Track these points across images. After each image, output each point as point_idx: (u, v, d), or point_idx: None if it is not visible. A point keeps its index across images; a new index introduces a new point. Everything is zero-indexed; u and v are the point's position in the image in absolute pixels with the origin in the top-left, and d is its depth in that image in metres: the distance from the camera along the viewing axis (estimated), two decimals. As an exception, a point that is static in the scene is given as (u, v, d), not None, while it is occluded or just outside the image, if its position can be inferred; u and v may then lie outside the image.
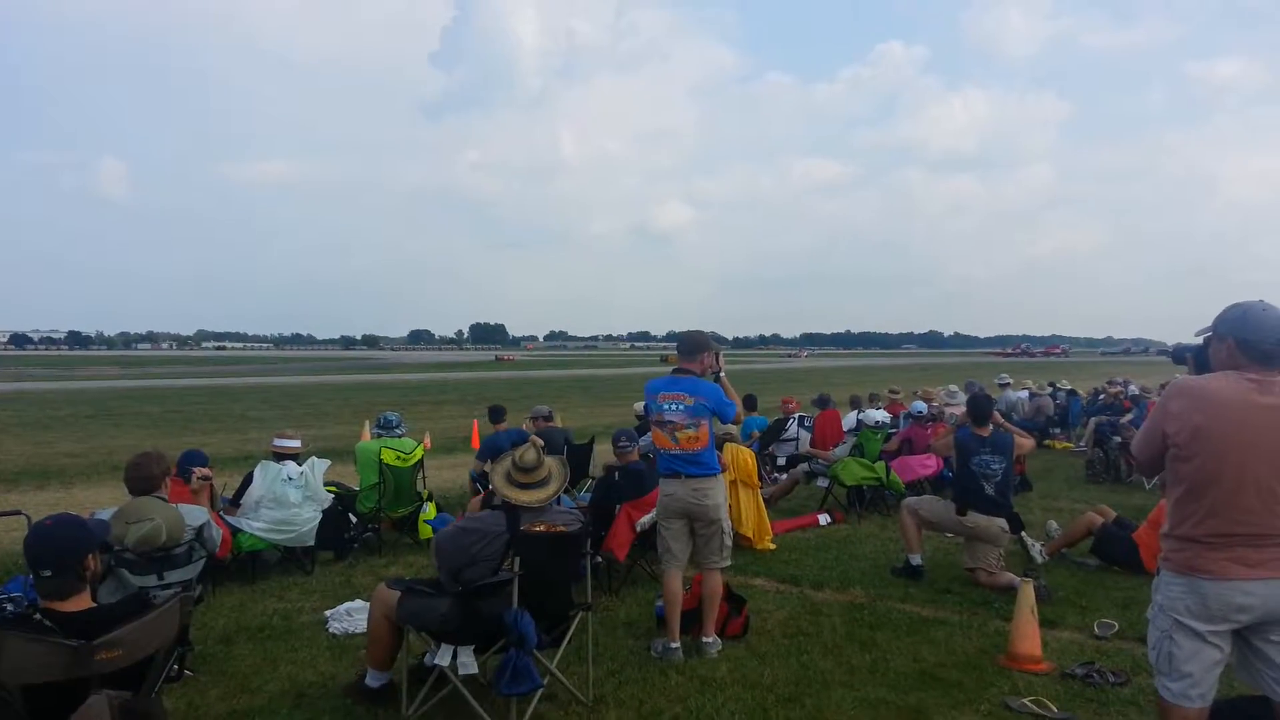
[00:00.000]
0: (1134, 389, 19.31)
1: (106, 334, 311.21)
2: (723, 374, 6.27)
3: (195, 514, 5.88)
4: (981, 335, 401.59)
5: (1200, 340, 3.83)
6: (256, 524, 8.23)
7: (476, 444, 19.12)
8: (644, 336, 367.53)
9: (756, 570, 8.53)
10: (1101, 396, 20.00)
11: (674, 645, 6.18)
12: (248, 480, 8.53)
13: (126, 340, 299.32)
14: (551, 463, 5.39)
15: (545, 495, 5.23)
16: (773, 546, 9.36)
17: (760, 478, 10.09)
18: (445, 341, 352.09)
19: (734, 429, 9.22)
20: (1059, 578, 8.22)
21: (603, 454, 12.07)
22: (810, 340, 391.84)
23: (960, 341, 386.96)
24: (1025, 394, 20.45)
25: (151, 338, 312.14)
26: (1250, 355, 3.54)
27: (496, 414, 11.42)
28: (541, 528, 5.14)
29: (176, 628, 3.71)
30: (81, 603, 3.59)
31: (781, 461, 12.82)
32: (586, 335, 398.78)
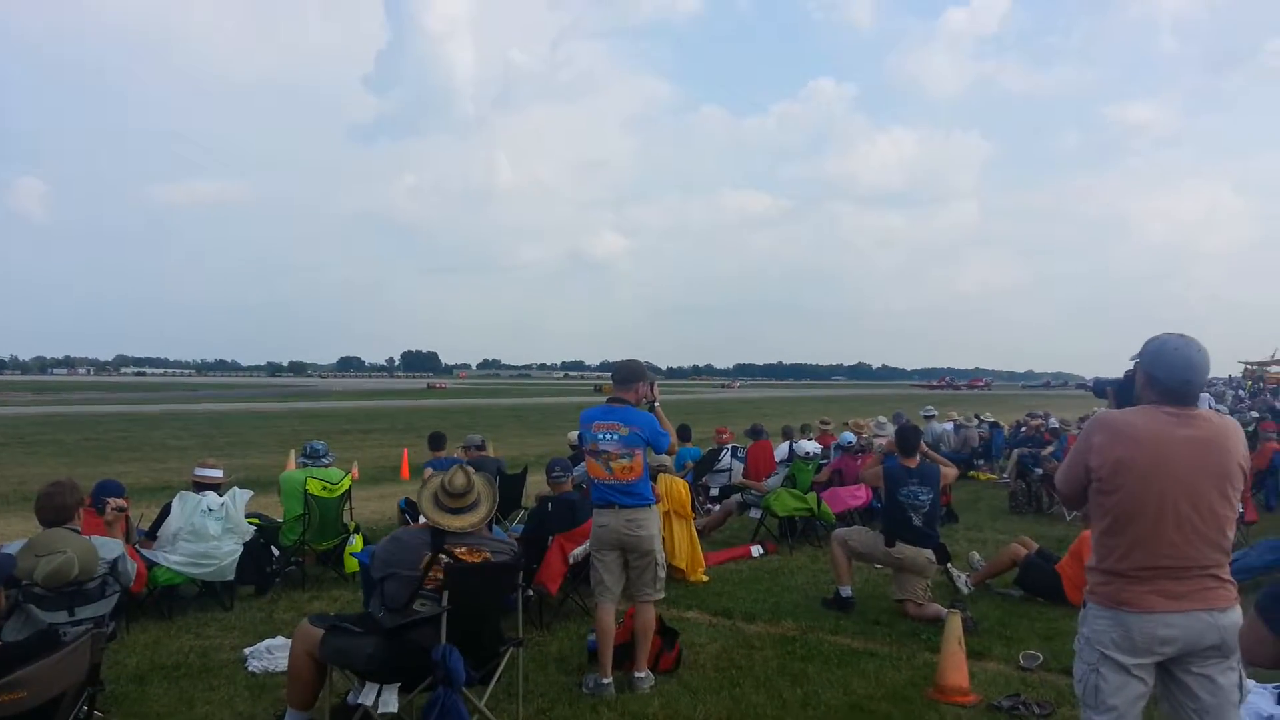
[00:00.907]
0: (1054, 422, 19.79)
1: (20, 358, 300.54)
2: (657, 404, 6.24)
3: (109, 546, 5.66)
4: (909, 368, 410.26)
5: (1123, 374, 3.91)
6: (174, 557, 7.96)
7: (406, 474, 18.87)
8: (578, 365, 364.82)
9: (689, 603, 8.50)
10: (1023, 429, 20.46)
11: (605, 681, 6.11)
12: (165, 511, 8.25)
13: (42, 365, 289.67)
14: (481, 486, 5.31)
15: (475, 520, 5.15)
16: (706, 579, 9.34)
17: (694, 508, 10.09)
18: (376, 369, 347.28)
19: (668, 459, 9.22)
20: (984, 609, 8.33)
21: (535, 484, 12.06)
22: (743, 371, 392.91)
23: (888, 373, 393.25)
24: (950, 426, 20.84)
25: (68, 362, 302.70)
26: (1157, 390, 3.61)
27: (436, 441, 11.33)
28: (463, 551, 5.06)
29: (87, 666, 3.56)
30: (-16, 642, 3.43)
31: (715, 492, 12.85)
32: (520, 364, 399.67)
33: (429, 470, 10.08)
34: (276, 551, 9.09)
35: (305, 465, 9.47)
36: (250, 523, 8.60)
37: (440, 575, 5.04)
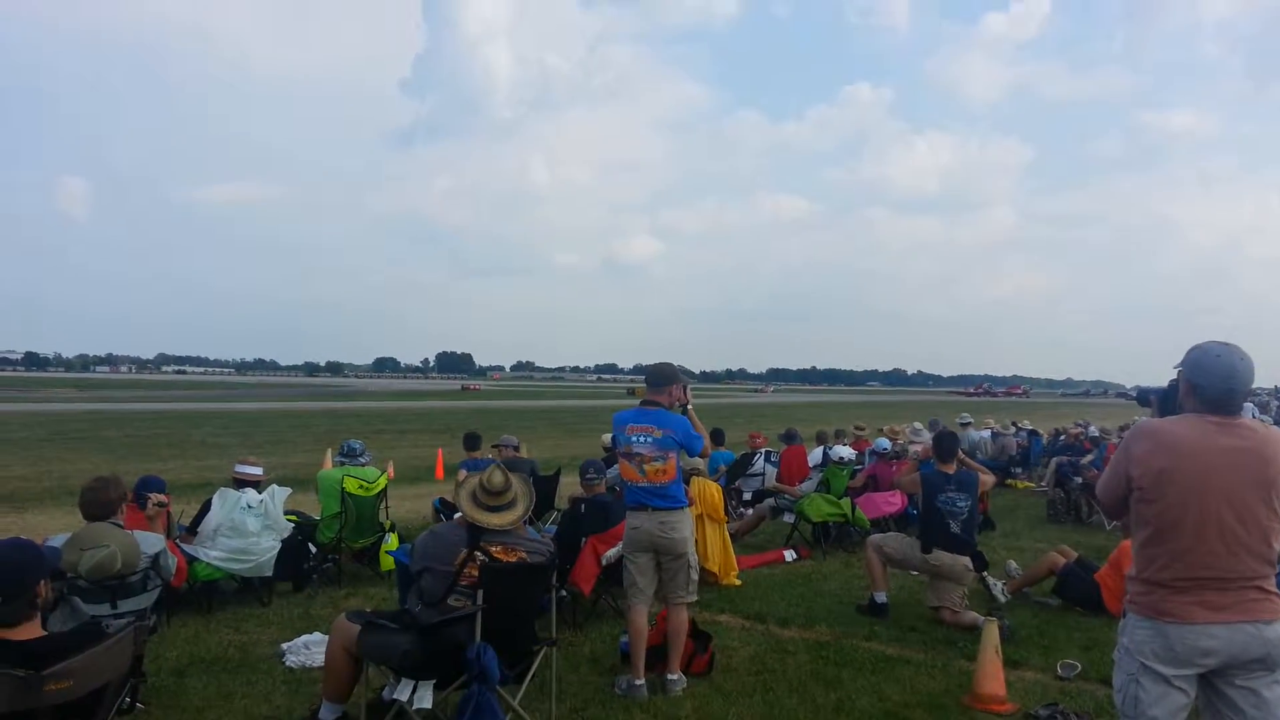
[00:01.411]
0: (1094, 430, 19.53)
1: (64, 355, 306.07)
2: (690, 407, 6.23)
3: (151, 541, 5.75)
4: (945, 374, 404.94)
5: (1166, 383, 3.86)
6: (213, 553, 8.04)
7: (440, 474, 18.98)
8: (611, 369, 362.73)
9: (722, 606, 8.47)
10: (1062, 437, 20.19)
11: (639, 683, 6.10)
12: (206, 507, 8.34)
13: (85, 363, 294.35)
14: (518, 485, 5.36)
15: (513, 518, 5.19)
16: (738, 582, 9.31)
17: (726, 512, 10.05)
18: (411, 370, 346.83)
19: (701, 463, 9.19)
20: (1022, 617, 8.24)
21: (569, 486, 12.02)
22: (777, 375, 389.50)
23: (924, 380, 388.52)
24: (987, 433, 20.61)
25: (111, 360, 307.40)
26: (1200, 399, 3.55)
27: (471, 441, 11.40)
28: (498, 549, 5.07)
29: (129, 658, 3.61)
30: (31, 631, 3.49)
31: (748, 496, 12.78)
32: (553, 366, 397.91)
33: (463, 471, 10.14)
34: (314, 549, 9.14)
35: (342, 464, 9.52)
36: (289, 520, 8.65)
37: (475, 573, 5.07)
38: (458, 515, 5.39)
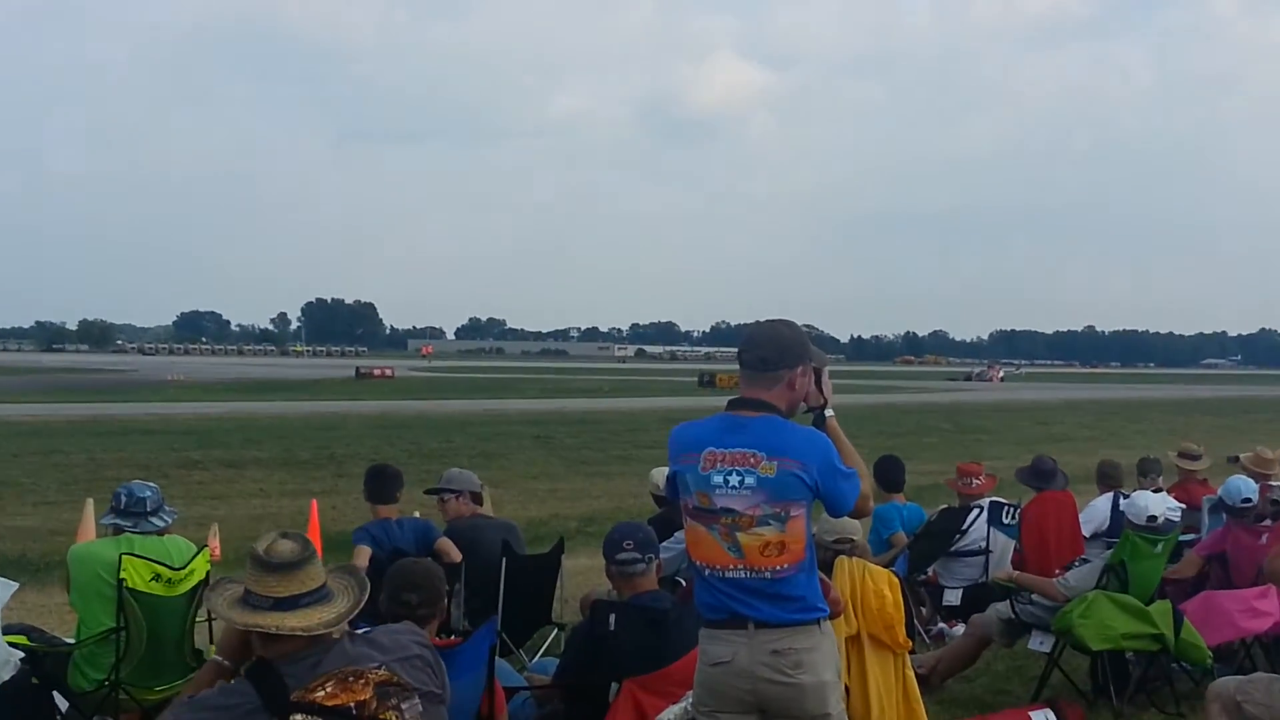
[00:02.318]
0: None
1: None
2: (830, 412, 3.98)
3: None
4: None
5: None
6: None
7: (315, 536, 13.12)
8: (663, 333, 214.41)
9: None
10: None
11: None
12: None
13: None
14: (336, 571, 3.31)
15: (327, 615, 3.15)
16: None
17: (910, 631, 5.99)
18: (253, 337, 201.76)
19: (857, 528, 5.52)
20: None
21: (582, 575, 8.01)
22: (1012, 343, 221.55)
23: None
24: None
25: None
26: None
27: (381, 485, 6.47)
28: (330, 688, 2.92)
29: None
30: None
31: (953, 598, 8.22)
32: (546, 329, 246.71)
33: (363, 548, 6.10)
34: (62, 701, 5.74)
35: (116, 531, 6.02)
36: (10, 645, 5.50)
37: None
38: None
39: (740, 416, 3.74)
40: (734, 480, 3.76)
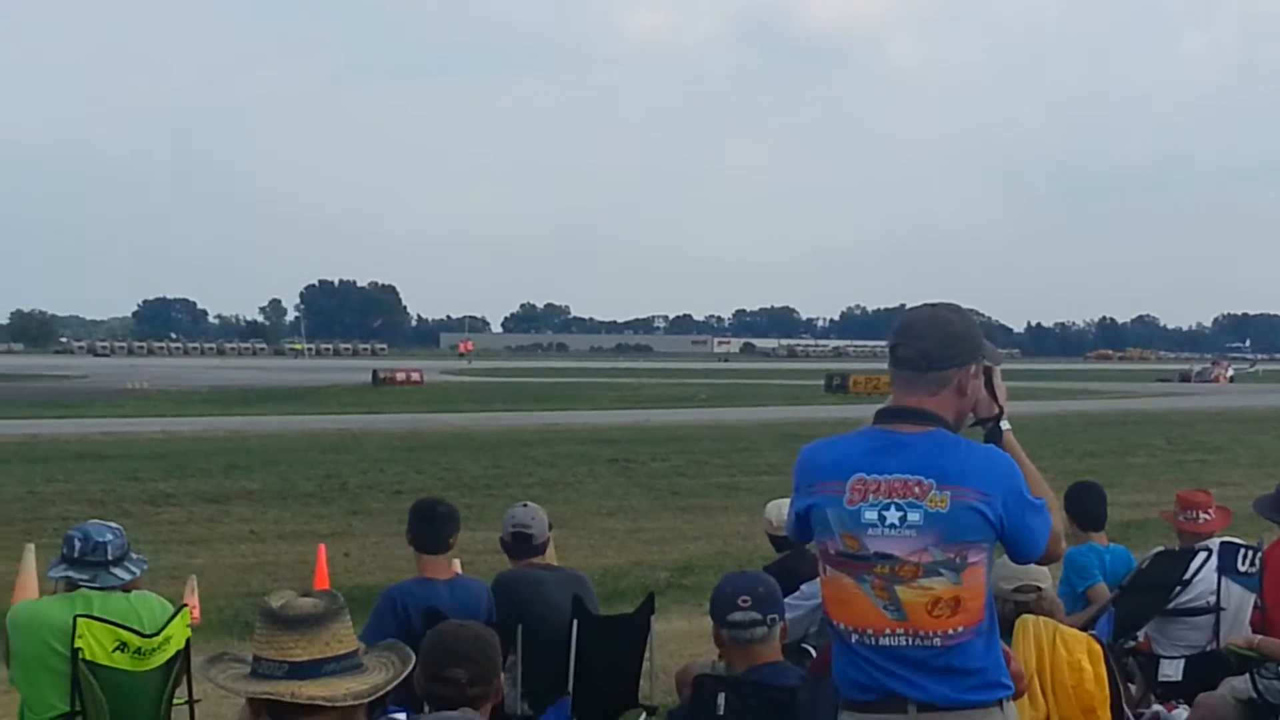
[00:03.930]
0: None
1: None
2: (1006, 425, 3.30)
3: None
4: None
5: None
6: None
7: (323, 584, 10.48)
8: (779, 321, 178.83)
9: None
10: None
11: None
12: None
13: None
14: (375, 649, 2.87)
15: (354, 688, 2.71)
16: None
17: (1117, 712, 5.03)
18: (238, 332, 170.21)
19: (1044, 574, 4.64)
20: None
21: (678, 641, 7.04)
22: (1243, 332, 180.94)
23: None
24: None
25: None
26: None
27: (429, 526, 5.17)
28: None
29: None
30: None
31: (1173, 670, 7.11)
32: (615, 319, 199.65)
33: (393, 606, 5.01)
34: None
35: (69, 585, 5.25)
36: None
37: None
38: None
39: (897, 432, 3.16)
40: (893, 517, 3.18)
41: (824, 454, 3.29)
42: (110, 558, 5.07)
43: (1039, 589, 4.40)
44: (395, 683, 2.92)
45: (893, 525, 3.16)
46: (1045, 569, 4.51)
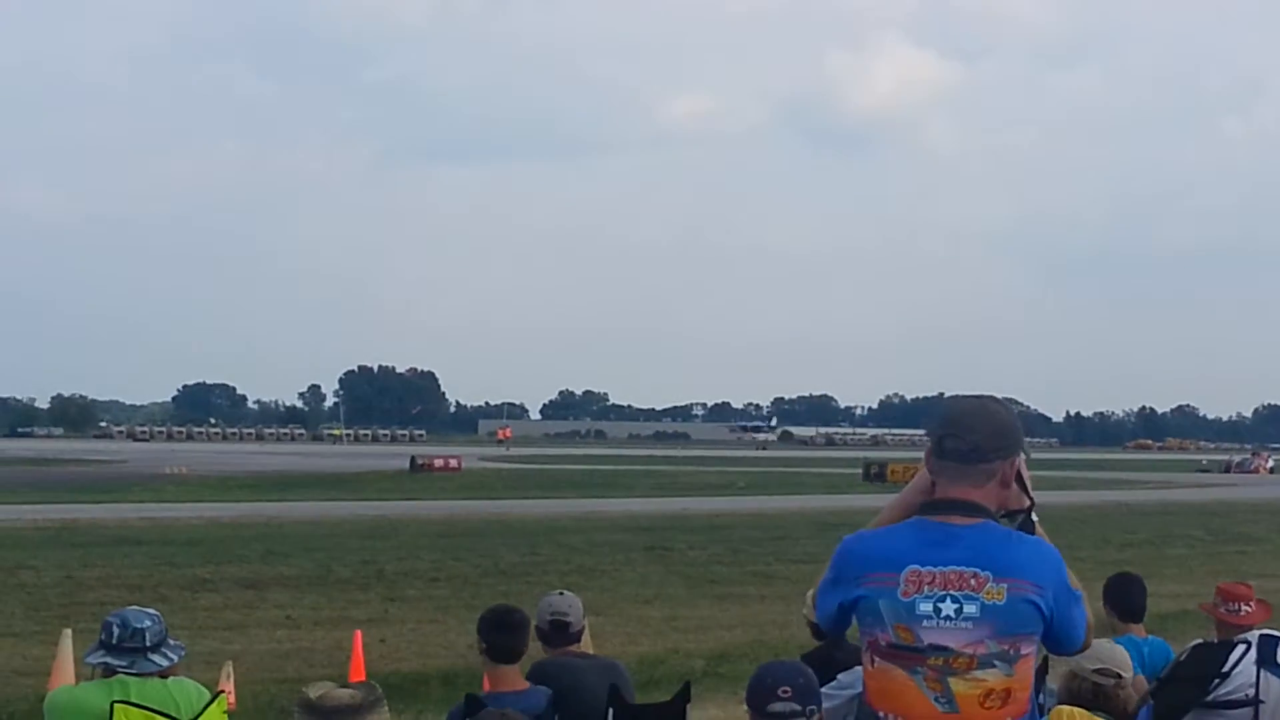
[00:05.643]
0: None
1: None
2: (1037, 518, 3.24)
3: None
4: None
5: None
6: None
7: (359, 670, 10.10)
8: (817, 409, 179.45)
9: None
10: None
11: None
12: None
13: None
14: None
15: None
16: None
17: None
18: (256, 418, 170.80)
19: (1127, 661, 4.40)
20: None
21: None
22: None
23: None
24: None
25: None
26: None
27: (502, 634, 4.89)
28: None
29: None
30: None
31: None
32: (654, 406, 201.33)
33: None
34: None
35: (106, 671, 5.03)
36: None
37: None
38: None
39: (949, 524, 3.10)
40: (949, 609, 3.13)
41: (875, 545, 3.22)
42: (148, 644, 4.97)
43: (1119, 676, 4.20)
44: None
45: (948, 617, 3.11)
46: (1128, 656, 4.37)
